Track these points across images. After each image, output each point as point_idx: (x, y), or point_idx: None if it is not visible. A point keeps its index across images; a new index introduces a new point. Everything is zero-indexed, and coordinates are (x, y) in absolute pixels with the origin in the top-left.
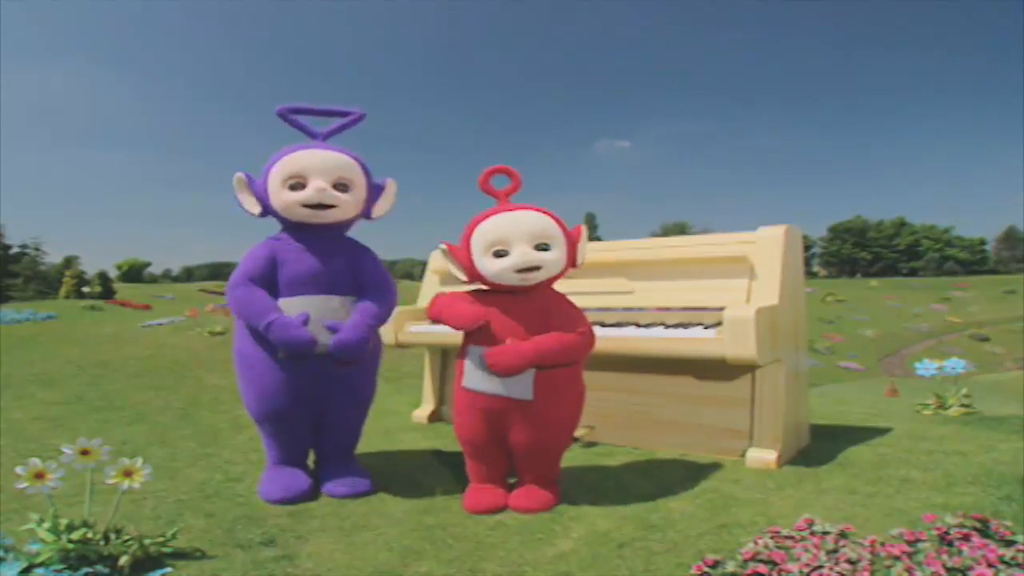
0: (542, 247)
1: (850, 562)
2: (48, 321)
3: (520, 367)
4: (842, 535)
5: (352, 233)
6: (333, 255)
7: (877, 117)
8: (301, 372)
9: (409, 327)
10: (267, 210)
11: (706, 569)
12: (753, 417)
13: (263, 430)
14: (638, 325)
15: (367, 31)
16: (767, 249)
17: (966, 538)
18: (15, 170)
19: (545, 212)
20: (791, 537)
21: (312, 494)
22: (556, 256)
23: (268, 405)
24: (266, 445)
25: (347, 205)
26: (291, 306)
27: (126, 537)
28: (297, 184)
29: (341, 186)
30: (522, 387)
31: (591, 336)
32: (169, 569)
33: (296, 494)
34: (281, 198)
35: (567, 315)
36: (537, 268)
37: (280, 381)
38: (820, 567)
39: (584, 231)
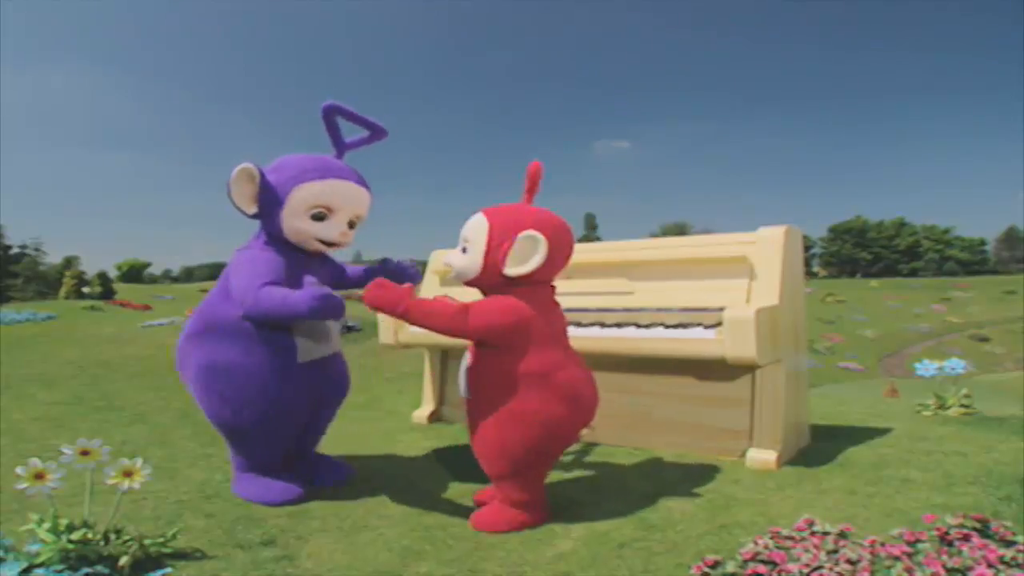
0: (464, 249)
1: (850, 562)
2: (48, 321)
3: (384, 301)
4: (842, 535)
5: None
6: (320, 269)
7: (877, 117)
8: (309, 377)
9: (409, 327)
10: (263, 216)
11: (706, 569)
12: (753, 417)
13: (252, 438)
14: (638, 325)
15: (367, 31)
16: (767, 249)
17: (966, 538)
18: (15, 170)
19: (490, 211)
20: (791, 537)
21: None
22: (467, 261)
23: (279, 414)
24: (248, 454)
25: (350, 242)
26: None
27: (126, 537)
28: (320, 215)
29: (352, 223)
30: (463, 383)
31: (466, 316)
32: (169, 569)
33: (297, 495)
34: (300, 224)
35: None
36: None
37: (294, 388)
38: (820, 567)
39: (524, 238)
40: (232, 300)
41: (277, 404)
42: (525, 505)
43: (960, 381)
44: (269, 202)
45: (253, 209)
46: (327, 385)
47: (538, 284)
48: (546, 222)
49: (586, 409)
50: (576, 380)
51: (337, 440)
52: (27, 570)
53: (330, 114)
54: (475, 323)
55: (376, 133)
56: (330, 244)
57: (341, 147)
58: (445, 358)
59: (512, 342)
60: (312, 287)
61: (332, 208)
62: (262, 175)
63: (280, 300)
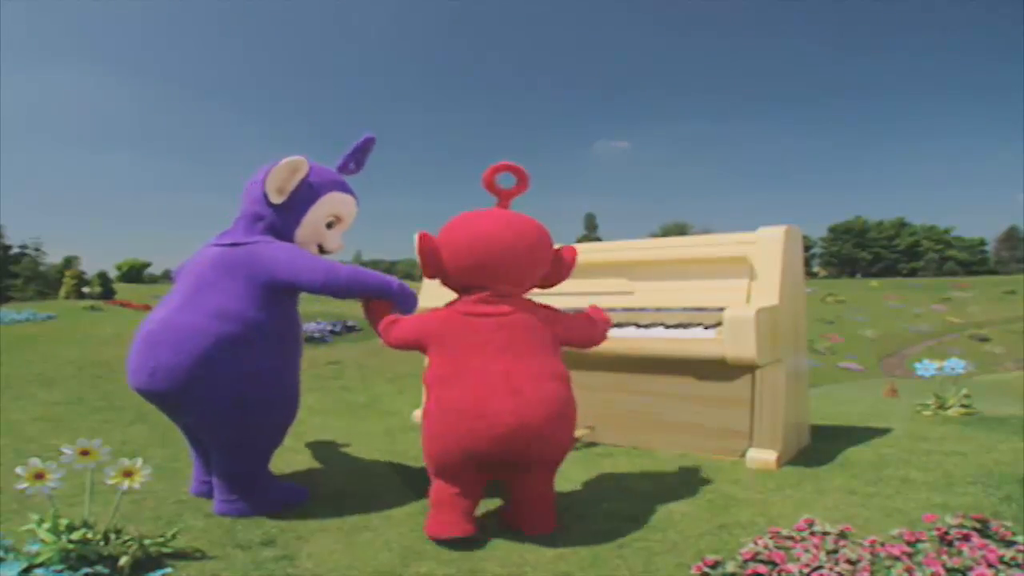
0: None
1: (850, 562)
2: (48, 321)
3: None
4: (842, 535)
5: (354, 231)
6: None
7: (876, 117)
8: None
9: None
10: (286, 209)
11: (706, 569)
12: (753, 417)
13: (273, 443)
14: (638, 325)
15: (367, 31)
16: (767, 249)
17: (966, 538)
18: (15, 170)
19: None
20: (791, 537)
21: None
22: None
23: (295, 413)
24: (261, 463)
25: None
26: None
27: (126, 537)
28: (331, 223)
29: None
30: None
31: (390, 330)
32: (169, 569)
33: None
34: (316, 228)
35: None
36: None
37: (298, 384)
38: (820, 567)
39: (417, 242)
40: (268, 300)
41: (296, 403)
42: (432, 506)
43: (960, 381)
44: (302, 199)
45: (280, 200)
46: None
47: (473, 290)
48: (454, 225)
49: (464, 432)
50: (462, 399)
51: (338, 440)
52: (27, 570)
53: (368, 146)
54: (391, 336)
55: (357, 169)
56: (326, 251)
57: (346, 169)
58: None
59: (425, 352)
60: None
61: (341, 218)
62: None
63: (371, 278)
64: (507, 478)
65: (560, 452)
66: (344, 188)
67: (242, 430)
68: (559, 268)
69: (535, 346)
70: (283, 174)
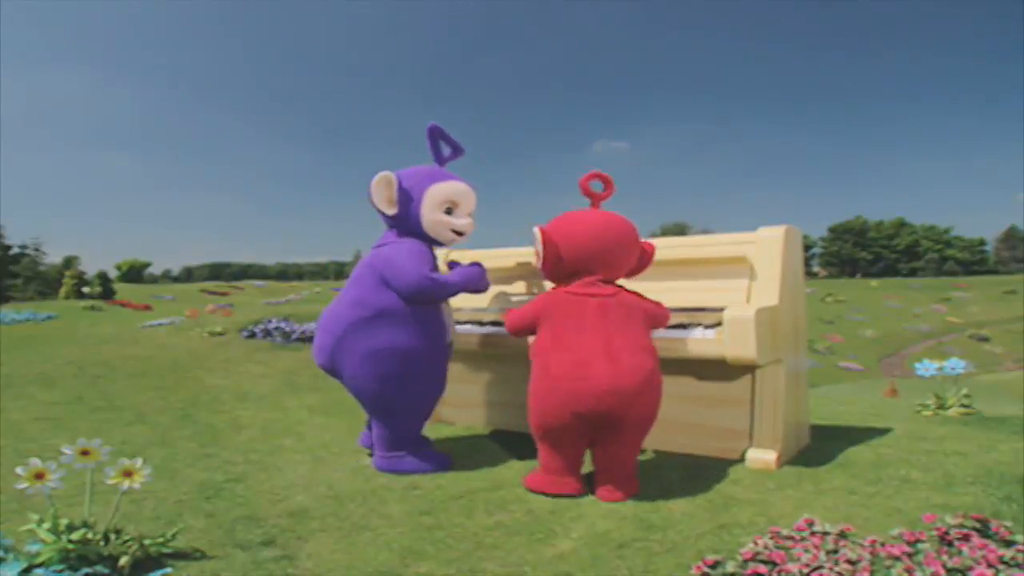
0: None
1: (850, 562)
2: (48, 321)
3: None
4: (842, 535)
5: (353, 231)
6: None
7: (877, 117)
8: (448, 356)
9: None
10: (401, 214)
11: (706, 569)
12: (753, 417)
13: (412, 413)
14: None
15: (366, 31)
16: (767, 249)
17: (966, 538)
18: (15, 170)
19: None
20: (791, 537)
21: None
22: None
23: (435, 389)
24: (404, 429)
25: (472, 230)
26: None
27: (126, 537)
28: (449, 209)
29: (470, 215)
30: None
31: (507, 320)
32: (169, 569)
33: (450, 463)
34: (436, 216)
35: None
36: None
37: (444, 365)
38: (820, 567)
39: (539, 235)
40: (391, 290)
41: (435, 379)
42: (542, 469)
43: (960, 381)
44: (407, 201)
45: (393, 210)
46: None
47: (581, 275)
48: (569, 221)
49: (568, 392)
50: (567, 365)
51: (338, 440)
52: (27, 570)
53: (434, 134)
54: (508, 325)
55: (456, 152)
56: (460, 233)
57: (441, 159)
58: None
59: (535, 331)
60: (462, 267)
61: (457, 203)
62: (399, 180)
63: (442, 284)
64: (599, 441)
65: (648, 415)
66: (441, 178)
67: (387, 399)
68: (643, 260)
69: (629, 323)
70: (378, 192)
